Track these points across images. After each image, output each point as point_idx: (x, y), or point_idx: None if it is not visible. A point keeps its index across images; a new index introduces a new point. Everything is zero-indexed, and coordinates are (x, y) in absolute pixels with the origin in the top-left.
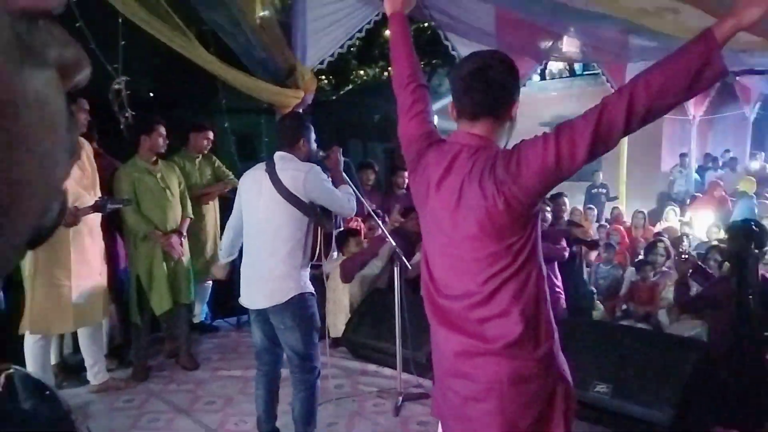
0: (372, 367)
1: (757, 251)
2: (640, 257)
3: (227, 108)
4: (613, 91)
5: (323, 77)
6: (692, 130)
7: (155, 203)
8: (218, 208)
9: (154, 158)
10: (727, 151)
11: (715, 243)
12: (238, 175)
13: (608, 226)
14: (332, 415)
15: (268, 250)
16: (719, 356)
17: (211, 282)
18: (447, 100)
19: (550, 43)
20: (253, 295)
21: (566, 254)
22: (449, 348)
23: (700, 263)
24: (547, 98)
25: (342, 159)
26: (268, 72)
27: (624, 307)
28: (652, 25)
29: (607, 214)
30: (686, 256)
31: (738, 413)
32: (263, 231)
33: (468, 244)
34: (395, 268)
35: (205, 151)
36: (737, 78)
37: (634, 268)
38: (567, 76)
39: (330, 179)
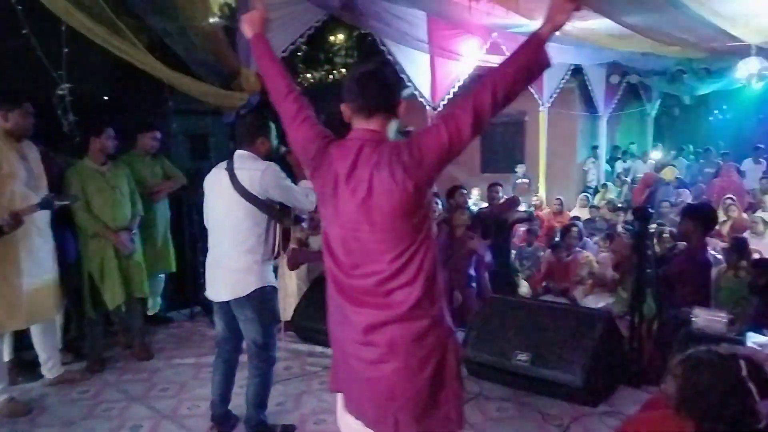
0: (319, 348)
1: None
2: (557, 240)
3: (176, 110)
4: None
5: None
6: (602, 125)
7: (105, 202)
8: (168, 206)
9: (104, 159)
10: (633, 143)
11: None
12: (189, 174)
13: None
14: (281, 395)
15: (230, 246)
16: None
17: (164, 275)
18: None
19: (478, 48)
20: (217, 288)
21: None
22: (359, 321)
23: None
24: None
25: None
26: (213, 75)
27: (544, 284)
28: (566, 31)
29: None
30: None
31: (638, 373)
32: (225, 228)
33: (380, 227)
34: None
35: (153, 151)
36: (641, 78)
37: (550, 250)
38: None
39: (289, 176)
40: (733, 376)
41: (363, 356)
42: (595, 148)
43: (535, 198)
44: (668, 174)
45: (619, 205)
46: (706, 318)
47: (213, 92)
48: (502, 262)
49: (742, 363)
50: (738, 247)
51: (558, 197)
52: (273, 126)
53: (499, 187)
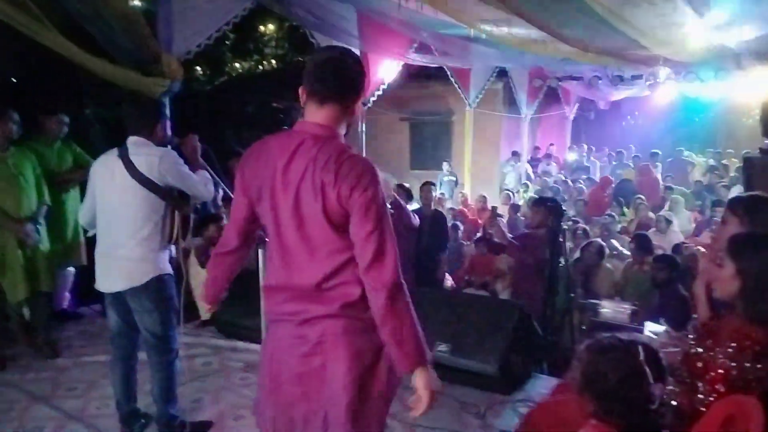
0: (241, 343)
1: (565, 227)
2: (479, 235)
3: (92, 95)
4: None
5: (198, 68)
6: (524, 126)
7: (7, 190)
8: (79, 195)
9: (6, 144)
10: (552, 144)
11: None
12: None
13: (456, 209)
14: (198, 391)
15: (125, 234)
16: (535, 315)
17: (73, 268)
18: None
19: (407, 46)
20: (110, 278)
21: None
22: (297, 318)
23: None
24: (408, 96)
25: (199, 145)
26: (131, 60)
27: (466, 278)
28: (490, 35)
29: (456, 198)
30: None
31: (551, 361)
32: (119, 216)
33: (315, 226)
34: (259, 250)
35: (59, 136)
36: (560, 83)
37: (473, 244)
38: (423, 77)
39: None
40: (631, 360)
41: (295, 351)
42: (514, 153)
43: (460, 194)
44: (628, 173)
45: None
46: (612, 309)
47: (131, 77)
48: (430, 257)
49: (640, 348)
50: (641, 244)
51: (482, 194)
52: (167, 114)
53: (432, 186)
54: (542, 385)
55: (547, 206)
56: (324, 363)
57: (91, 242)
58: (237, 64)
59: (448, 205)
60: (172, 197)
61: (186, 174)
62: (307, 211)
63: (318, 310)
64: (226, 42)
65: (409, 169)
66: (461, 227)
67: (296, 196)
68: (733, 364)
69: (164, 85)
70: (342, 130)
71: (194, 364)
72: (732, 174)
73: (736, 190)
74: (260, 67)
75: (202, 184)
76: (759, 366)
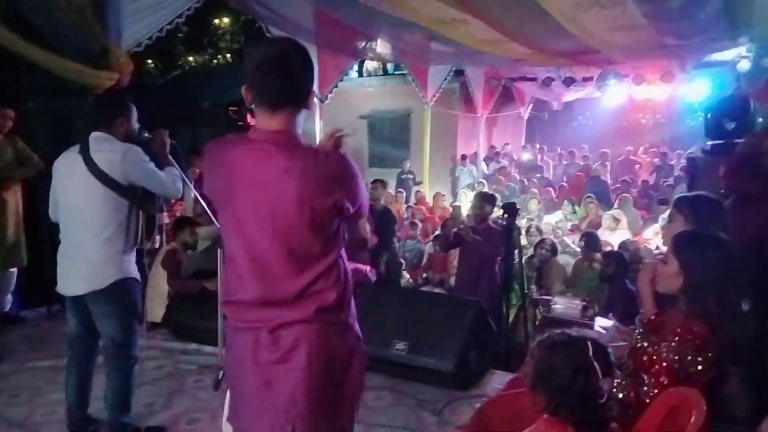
0: (193, 345)
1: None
2: (437, 232)
3: (35, 89)
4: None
5: (149, 61)
6: (480, 125)
7: None
8: (20, 193)
9: None
10: (507, 144)
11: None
12: (49, 160)
13: (414, 207)
14: (150, 395)
15: (88, 235)
16: (491, 312)
17: (15, 270)
18: None
19: (365, 43)
20: (71, 281)
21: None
22: (268, 324)
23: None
24: (365, 93)
25: (168, 141)
26: (78, 52)
27: (424, 275)
28: (448, 34)
29: (413, 196)
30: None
31: (506, 357)
32: (81, 215)
33: (288, 237)
34: (219, 250)
35: (4, 131)
36: (515, 83)
37: (431, 242)
38: (381, 74)
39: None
40: (581, 356)
41: (266, 358)
42: (463, 157)
43: (418, 192)
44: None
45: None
46: (564, 305)
47: (78, 70)
48: (389, 255)
49: (590, 344)
50: (589, 241)
51: (440, 192)
52: (134, 109)
53: (381, 184)
54: (498, 381)
55: (502, 205)
56: (296, 368)
57: (35, 243)
58: (191, 58)
59: (404, 202)
60: (136, 196)
61: (151, 171)
62: (286, 222)
63: (292, 315)
64: (179, 35)
65: (367, 167)
66: (419, 225)
67: (271, 208)
68: (676, 357)
69: (113, 79)
70: (300, 128)
71: (146, 367)
72: (677, 173)
73: (681, 189)
74: (215, 61)
75: (169, 182)
76: (700, 359)
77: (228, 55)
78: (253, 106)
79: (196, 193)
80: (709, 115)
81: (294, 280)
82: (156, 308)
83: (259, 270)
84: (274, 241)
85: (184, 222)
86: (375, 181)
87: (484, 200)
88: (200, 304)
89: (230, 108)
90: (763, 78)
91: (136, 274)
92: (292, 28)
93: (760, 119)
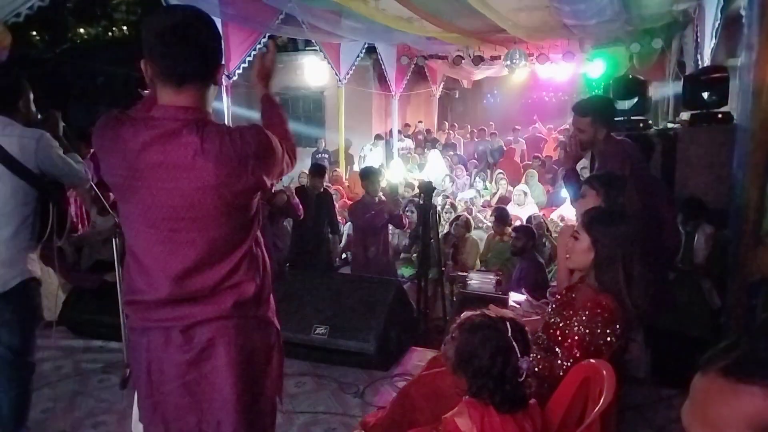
0: (97, 342)
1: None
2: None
3: None
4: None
5: (34, 33)
6: (394, 103)
7: None
8: None
9: None
10: (420, 121)
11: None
12: None
13: (331, 186)
14: (49, 399)
15: None
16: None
17: None
18: None
19: (272, 18)
20: None
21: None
22: (180, 323)
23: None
24: (276, 70)
25: (62, 124)
26: None
27: (343, 255)
28: (359, 10)
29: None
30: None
31: (425, 334)
32: None
33: (206, 224)
34: (114, 240)
35: None
36: (426, 61)
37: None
38: (292, 50)
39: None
40: (500, 337)
41: (179, 359)
42: (378, 136)
43: (333, 172)
44: None
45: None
46: (479, 280)
47: None
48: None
49: (508, 324)
50: (500, 216)
51: (357, 171)
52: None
53: (316, 174)
54: (418, 358)
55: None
56: (213, 368)
57: None
58: (81, 30)
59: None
60: (46, 186)
61: (64, 159)
62: (202, 210)
63: (206, 312)
64: (68, 4)
65: None
66: (336, 206)
67: (184, 195)
68: (587, 331)
69: None
70: (210, 105)
71: (42, 369)
72: None
73: (581, 164)
74: (110, 33)
75: (81, 170)
76: (608, 331)
77: (125, 28)
78: (154, 82)
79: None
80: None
81: (210, 273)
82: (50, 306)
83: (168, 264)
84: (187, 231)
85: None
86: (313, 170)
87: (365, 175)
88: (102, 297)
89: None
90: (652, 58)
91: (39, 274)
92: None
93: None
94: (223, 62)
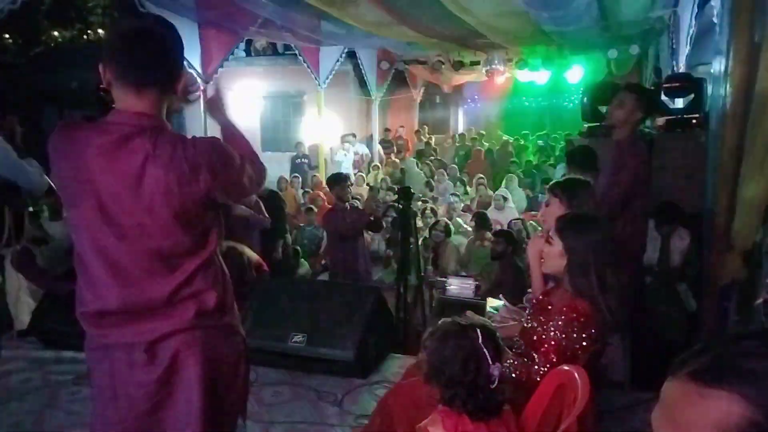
0: (69, 353)
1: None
2: None
3: None
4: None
5: (7, 36)
6: (374, 108)
7: None
8: None
9: None
10: (402, 126)
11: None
12: None
13: (311, 192)
14: (16, 413)
15: None
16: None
17: None
18: None
19: (251, 22)
20: None
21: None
22: (142, 340)
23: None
24: (255, 72)
25: (19, 129)
26: None
27: (323, 262)
28: (338, 15)
29: (310, 181)
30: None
31: (403, 340)
32: None
33: (156, 231)
34: None
35: None
36: (407, 66)
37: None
38: (271, 54)
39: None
40: (471, 344)
41: (144, 380)
42: (344, 137)
43: (313, 177)
44: None
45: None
46: (458, 285)
47: None
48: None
49: (479, 331)
50: (480, 221)
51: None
52: None
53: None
54: (397, 365)
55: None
56: (179, 383)
57: None
58: (56, 33)
59: (300, 187)
60: (3, 191)
61: (20, 163)
62: (151, 217)
63: (168, 325)
64: (42, 7)
65: (261, 151)
66: (315, 210)
67: (133, 201)
68: (563, 336)
69: None
70: (164, 114)
71: (10, 381)
72: (557, 153)
73: (561, 169)
74: (85, 37)
75: (36, 174)
76: (584, 335)
77: (100, 31)
78: (111, 85)
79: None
80: (585, 99)
81: (163, 282)
82: (20, 314)
83: (118, 272)
84: (137, 238)
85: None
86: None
87: (334, 182)
88: (73, 306)
89: (100, 87)
90: (629, 64)
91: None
92: (171, 3)
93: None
94: (183, 72)
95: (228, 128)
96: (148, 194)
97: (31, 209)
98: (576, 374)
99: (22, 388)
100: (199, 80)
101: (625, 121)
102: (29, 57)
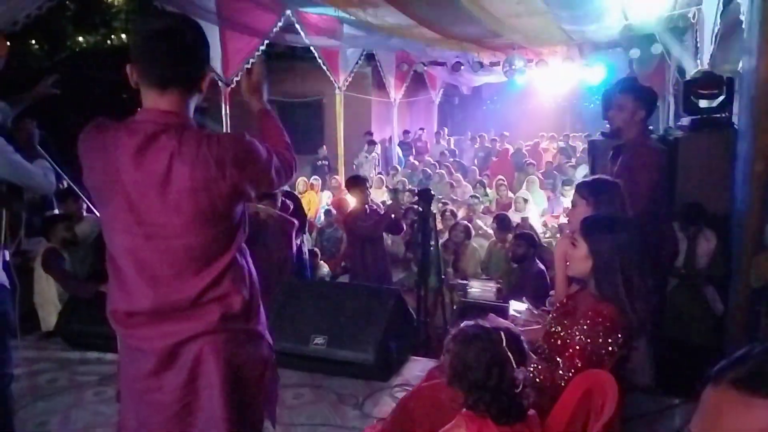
0: (93, 354)
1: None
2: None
3: None
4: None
5: (33, 42)
6: (394, 110)
7: None
8: None
9: None
10: (422, 129)
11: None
12: None
13: (333, 195)
14: (43, 413)
15: None
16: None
17: None
18: None
19: (272, 24)
20: None
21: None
22: (169, 343)
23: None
24: (274, 77)
25: (36, 132)
26: None
27: (343, 264)
28: (360, 17)
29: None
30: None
31: (425, 343)
32: None
33: (180, 232)
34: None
35: None
36: (426, 68)
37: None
38: (290, 57)
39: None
40: (495, 347)
41: (174, 383)
42: (371, 143)
43: (334, 180)
44: None
45: (410, 188)
46: (479, 288)
47: None
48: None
49: (503, 334)
50: (501, 223)
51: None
52: None
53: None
54: (419, 368)
55: (417, 192)
56: (204, 387)
57: None
58: (81, 38)
59: (321, 190)
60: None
61: (19, 163)
62: (179, 215)
63: (193, 328)
64: (67, 13)
65: None
66: (334, 212)
67: (162, 200)
68: (588, 340)
69: None
70: (191, 112)
71: (37, 381)
72: (579, 154)
73: (582, 170)
74: (108, 41)
75: (41, 175)
76: (610, 340)
77: (123, 36)
78: (138, 85)
79: (71, 184)
80: (606, 100)
81: (191, 283)
82: (47, 316)
83: (148, 272)
84: (165, 237)
85: (56, 218)
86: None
87: (353, 184)
88: (98, 307)
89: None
90: (652, 64)
91: (4, 280)
92: (192, 7)
93: None
94: (208, 71)
95: (264, 113)
96: (175, 192)
97: (56, 212)
98: (604, 379)
99: (48, 389)
100: (220, 83)
101: (630, 122)
102: (54, 62)
